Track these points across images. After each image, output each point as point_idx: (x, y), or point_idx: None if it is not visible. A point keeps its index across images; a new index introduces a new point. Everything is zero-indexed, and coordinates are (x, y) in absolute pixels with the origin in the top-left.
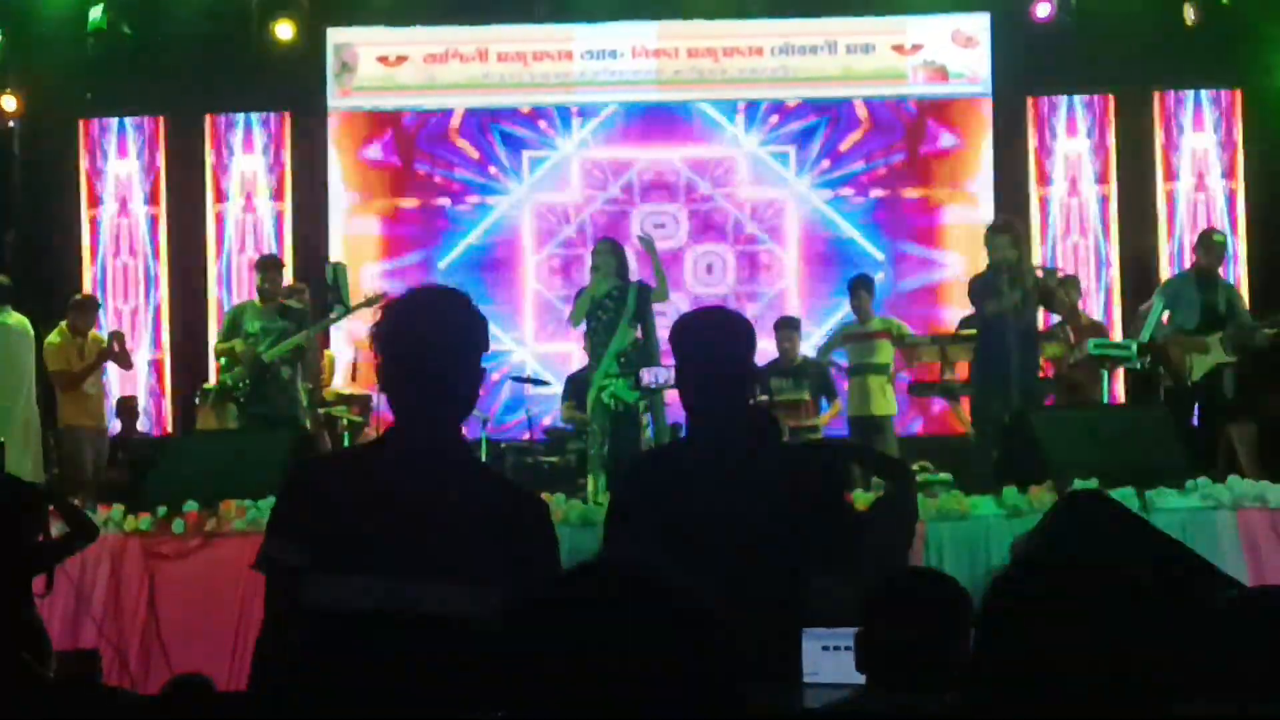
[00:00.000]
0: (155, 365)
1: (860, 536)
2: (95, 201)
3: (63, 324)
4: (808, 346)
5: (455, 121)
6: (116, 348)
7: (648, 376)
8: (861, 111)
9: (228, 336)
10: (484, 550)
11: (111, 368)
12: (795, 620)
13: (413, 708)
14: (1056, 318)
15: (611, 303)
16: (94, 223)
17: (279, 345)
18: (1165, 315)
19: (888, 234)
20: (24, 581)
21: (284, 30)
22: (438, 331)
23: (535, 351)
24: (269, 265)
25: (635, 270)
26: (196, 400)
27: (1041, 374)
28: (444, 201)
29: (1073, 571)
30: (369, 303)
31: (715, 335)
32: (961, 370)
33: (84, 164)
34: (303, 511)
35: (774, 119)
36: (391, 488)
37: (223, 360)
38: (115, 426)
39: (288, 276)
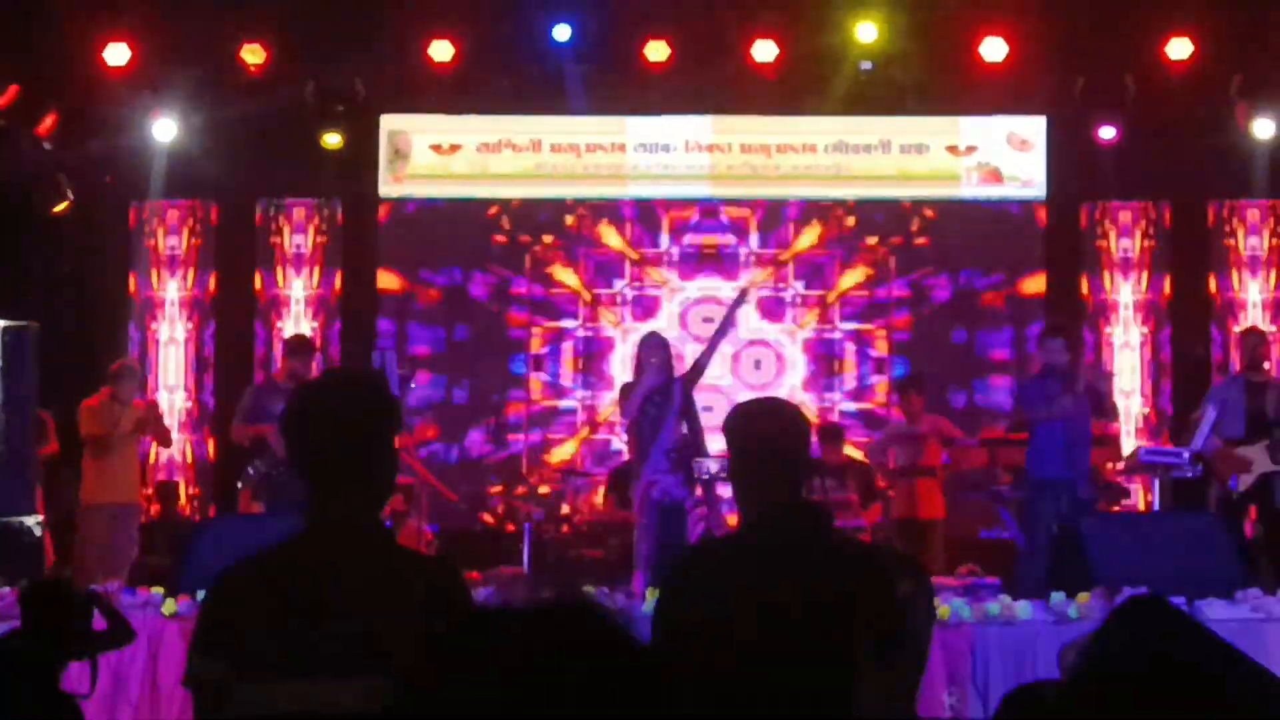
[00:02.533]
0: (200, 448)
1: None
2: (146, 285)
3: (103, 389)
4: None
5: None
6: (153, 417)
7: (699, 468)
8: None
9: (250, 419)
10: (403, 636)
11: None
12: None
13: None
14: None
15: (659, 397)
16: (145, 308)
17: None
18: (1215, 421)
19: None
20: (59, 670)
21: (338, 123)
22: (346, 416)
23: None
24: (304, 347)
25: (679, 366)
26: (239, 485)
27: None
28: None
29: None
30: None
31: (769, 426)
32: (1011, 475)
33: (135, 246)
34: (221, 624)
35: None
36: (307, 584)
37: (248, 445)
38: (154, 510)
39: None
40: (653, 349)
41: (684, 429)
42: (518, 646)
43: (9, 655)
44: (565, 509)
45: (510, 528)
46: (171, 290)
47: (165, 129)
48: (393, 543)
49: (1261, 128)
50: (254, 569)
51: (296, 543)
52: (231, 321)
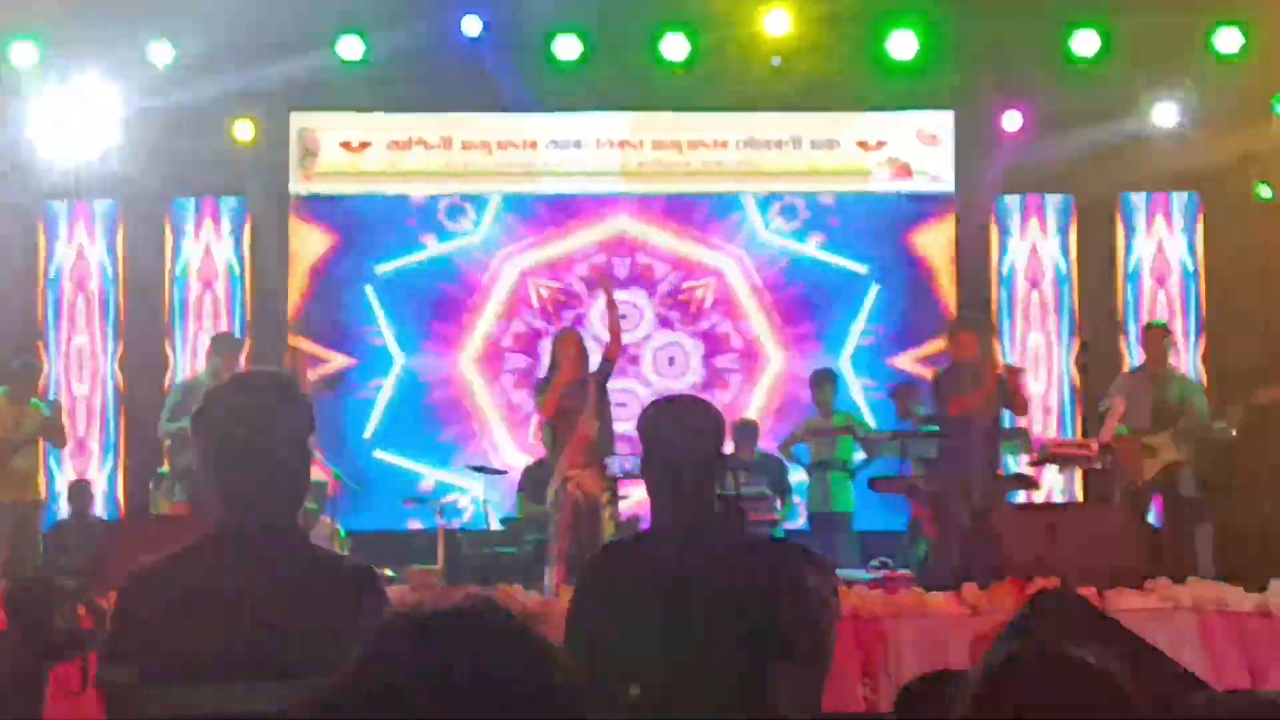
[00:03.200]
0: (112, 448)
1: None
2: (54, 283)
3: (1, 391)
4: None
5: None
6: (55, 422)
7: (613, 465)
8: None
9: (176, 416)
10: (315, 639)
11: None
12: (760, 712)
13: None
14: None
15: (574, 393)
16: (55, 304)
17: None
18: (1122, 412)
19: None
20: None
21: (243, 130)
22: (256, 418)
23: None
24: (229, 344)
25: (594, 360)
26: (151, 485)
27: (1001, 472)
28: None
29: (1050, 672)
30: (328, 385)
31: (683, 424)
32: (922, 467)
33: (43, 245)
34: (131, 630)
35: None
36: (219, 586)
37: (169, 442)
38: (64, 510)
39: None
40: (567, 344)
41: (596, 425)
42: (430, 651)
43: None
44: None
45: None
46: (81, 288)
47: (74, 126)
48: (306, 544)
49: (1162, 114)
50: (165, 572)
51: (208, 545)
52: (142, 319)
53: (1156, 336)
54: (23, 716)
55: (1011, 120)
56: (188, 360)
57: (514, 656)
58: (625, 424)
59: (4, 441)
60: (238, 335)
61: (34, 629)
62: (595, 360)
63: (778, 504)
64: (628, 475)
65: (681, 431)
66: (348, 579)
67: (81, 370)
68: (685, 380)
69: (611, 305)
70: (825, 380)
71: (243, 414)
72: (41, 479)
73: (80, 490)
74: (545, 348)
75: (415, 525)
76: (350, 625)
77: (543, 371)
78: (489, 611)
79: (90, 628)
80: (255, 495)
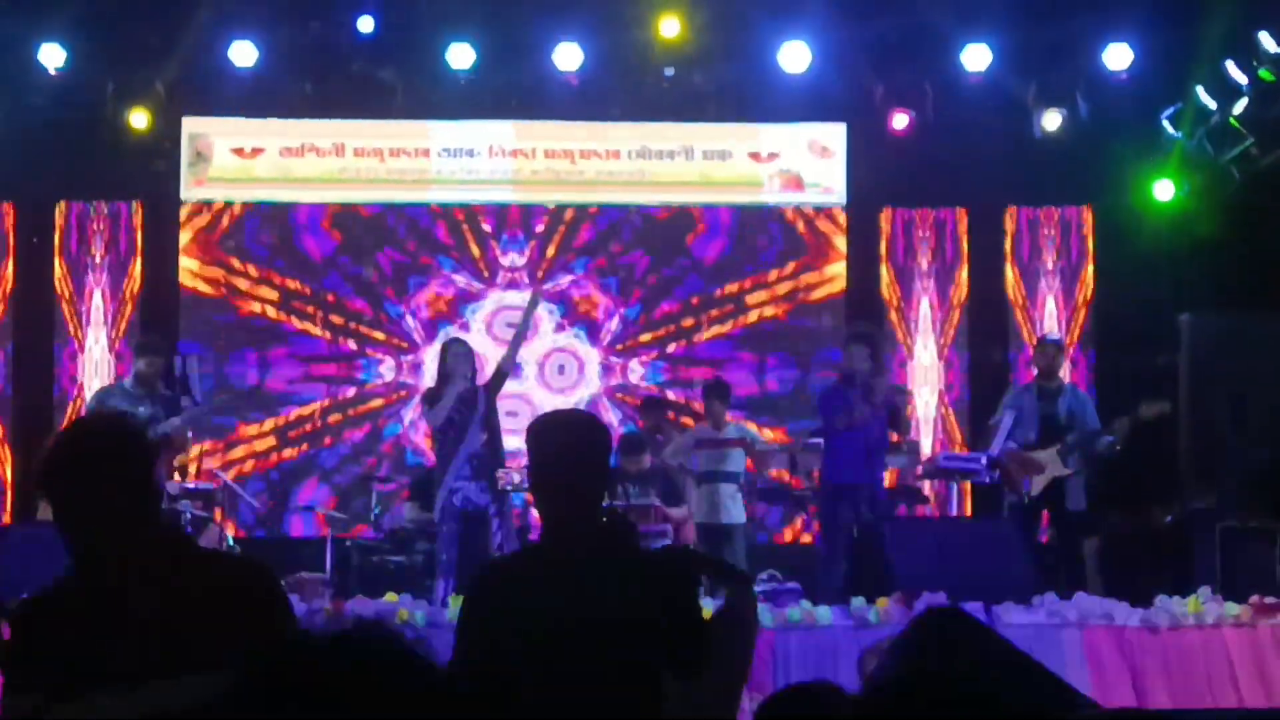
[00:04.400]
0: None
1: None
2: None
3: None
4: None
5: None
6: None
7: (502, 479)
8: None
9: None
10: (214, 636)
11: None
12: None
13: None
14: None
15: (463, 404)
16: None
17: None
18: (1010, 427)
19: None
20: None
21: (139, 119)
22: (113, 437)
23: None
24: (153, 348)
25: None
26: (37, 490)
27: (888, 485)
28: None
29: (933, 693)
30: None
31: (571, 438)
32: (810, 480)
33: None
34: (28, 656)
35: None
36: (111, 597)
37: None
38: None
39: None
40: (456, 355)
41: (485, 436)
42: (322, 673)
43: None
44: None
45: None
46: None
47: None
48: (196, 545)
49: (1057, 134)
50: (58, 592)
51: (92, 559)
52: (30, 323)
53: (1048, 351)
54: None
55: (899, 120)
56: (83, 364)
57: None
58: (515, 437)
59: None
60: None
61: None
62: (485, 371)
63: (667, 514)
64: (518, 489)
65: (568, 446)
66: (234, 572)
67: None
68: (576, 390)
69: (528, 322)
70: (717, 392)
71: (84, 468)
72: None
73: None
74: (432, 355)
75: (302, 532)
76: (243, 617)
77: (431, 380)
78: (380, 637)
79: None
80: (121, 506)
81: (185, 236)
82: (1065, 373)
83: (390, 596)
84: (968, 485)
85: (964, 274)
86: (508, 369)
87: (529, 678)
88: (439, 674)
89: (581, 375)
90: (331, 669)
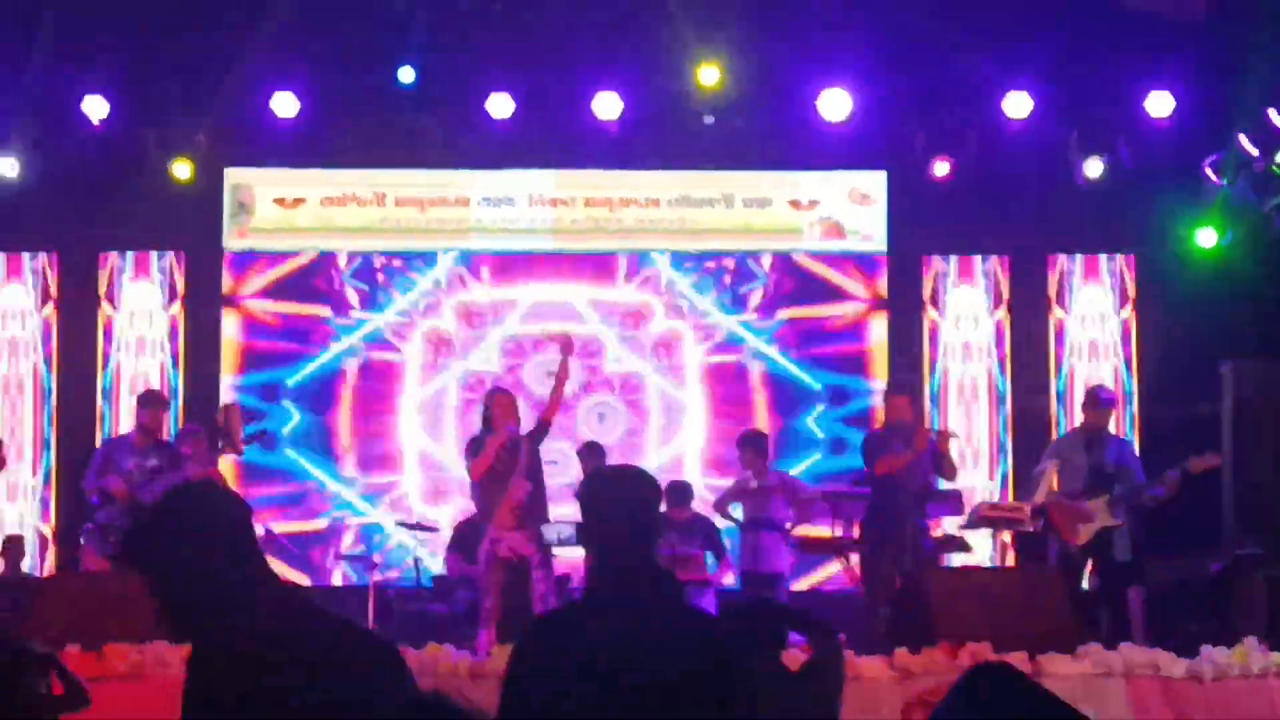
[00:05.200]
0: (41, 503)
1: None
2: None
3: None
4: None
5: (343, 262)
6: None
7: (549, 533)
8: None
9: (102, 473)
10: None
11: None
12: None
13: None
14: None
15: (507, 454)
16: None
17: (155, 483)
18: (1055, 477)
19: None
20: None
21: (182, 170)
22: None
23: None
24: (155, 401)
25: (527, 422)
26: (81, 540)
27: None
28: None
29: None
30: (256, 438)
31: (624, 494)
32: (853, 529)
33: None
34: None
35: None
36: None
37: (94, 499)
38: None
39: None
40: (499, 404)
41: (529, 486)
42: None
43: None
44: (410, 561)
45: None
46: (11, 339)
47: (7, 167)
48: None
49: (1100, 182)
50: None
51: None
52: (73, 371)
53: (1100, 402)
54: None
55: (940, 168)
56: (120, 412)
57: None
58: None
59: None
60: (166, 392)
61: (4, 692)
62: (528, 421)
63: (709, 564)
64: (564, 543)
65: (621, 502)
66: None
67: (12, 422)
68: (615, 435)
69: (564, 370)
70: (753, 442)
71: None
72: None
73: (14, 546)
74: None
75: (343, 580)
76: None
77: (476, 430)
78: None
79: (60, 694)
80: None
81: (229, 285)
82: (1115, 424)
83: (433, 647)
84: (1011, 534)
85: (1006, 320)
86: (550, 420)
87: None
88: None
89: (624, 424)
90: None
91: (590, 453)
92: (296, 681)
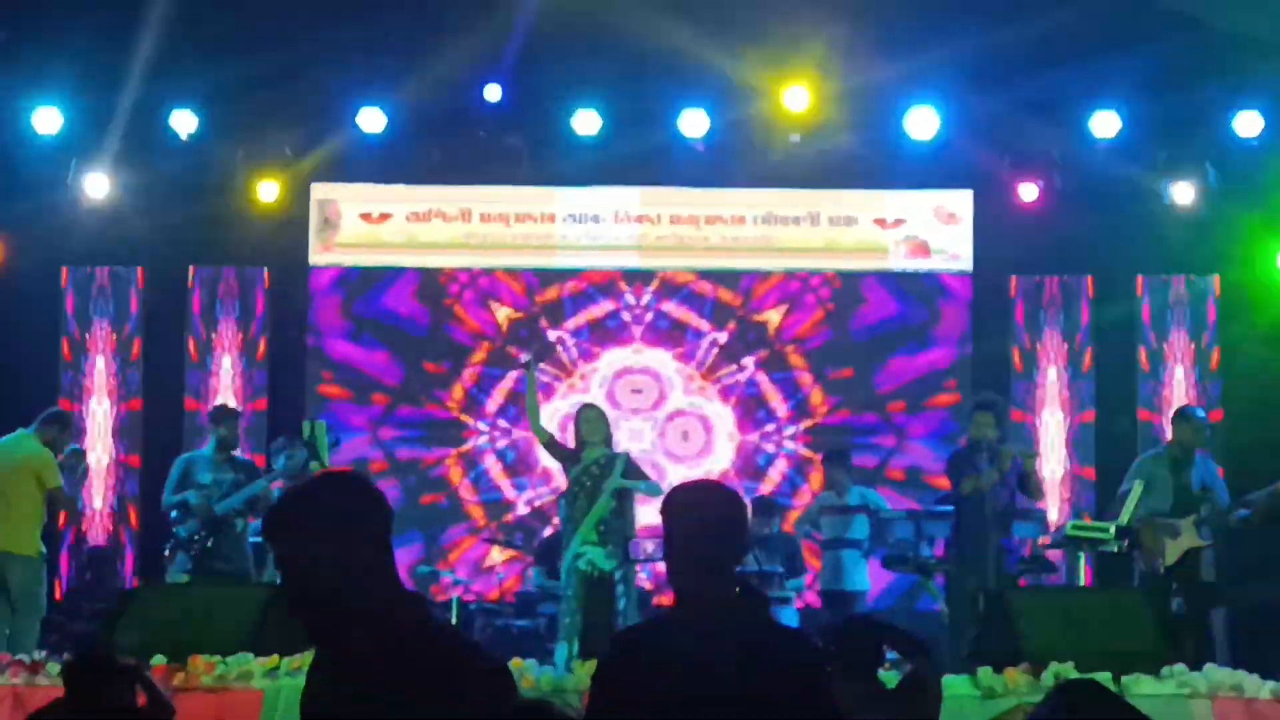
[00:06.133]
0: (127, 515)
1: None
2: (74, 350)
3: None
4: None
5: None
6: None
7: (635, 549)
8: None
9: (178, 488)
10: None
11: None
12: None
13: None
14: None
15: (598, 469)
16: (72, 371)
17: (231, 497)
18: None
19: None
20: None
21: (268, 191)
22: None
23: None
24: (229, 415)
25: (619, 440)
26: (166, 553)
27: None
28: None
29: None
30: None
31: (709, 511)
32: (936, 547)
33: (64, 311)
34: None
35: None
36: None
37: (174, 514)
38: (86, 578)
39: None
40: (590, 420)
41: (615, 504)
42: None
43: None
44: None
45: (438, 597)
46: (99, 354)
47: (96, 187)
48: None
49: (1187, 202)
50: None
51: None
52: (159, 387)
53: (1193, 424)
54: None
55: (1028, 191)
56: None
57: None
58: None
59: (58, 492)
60: (248, 406)
61: (90, 703)
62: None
63: (790, 582)
64: (649, 559)
65: (707, 519)
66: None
67: (99, 436)
68: (696, 453)
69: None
70: (837, 459)
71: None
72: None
73: (102, 558)
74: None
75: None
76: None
77: (570, 444)
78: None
79: (144, 706)
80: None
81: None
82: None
83: (515, 661)
84: (1097, 555)
85: (1092, 340)
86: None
87: None
88: None
89: (706, 442)
90: None
91: (761, 507)
92: (423, 691)
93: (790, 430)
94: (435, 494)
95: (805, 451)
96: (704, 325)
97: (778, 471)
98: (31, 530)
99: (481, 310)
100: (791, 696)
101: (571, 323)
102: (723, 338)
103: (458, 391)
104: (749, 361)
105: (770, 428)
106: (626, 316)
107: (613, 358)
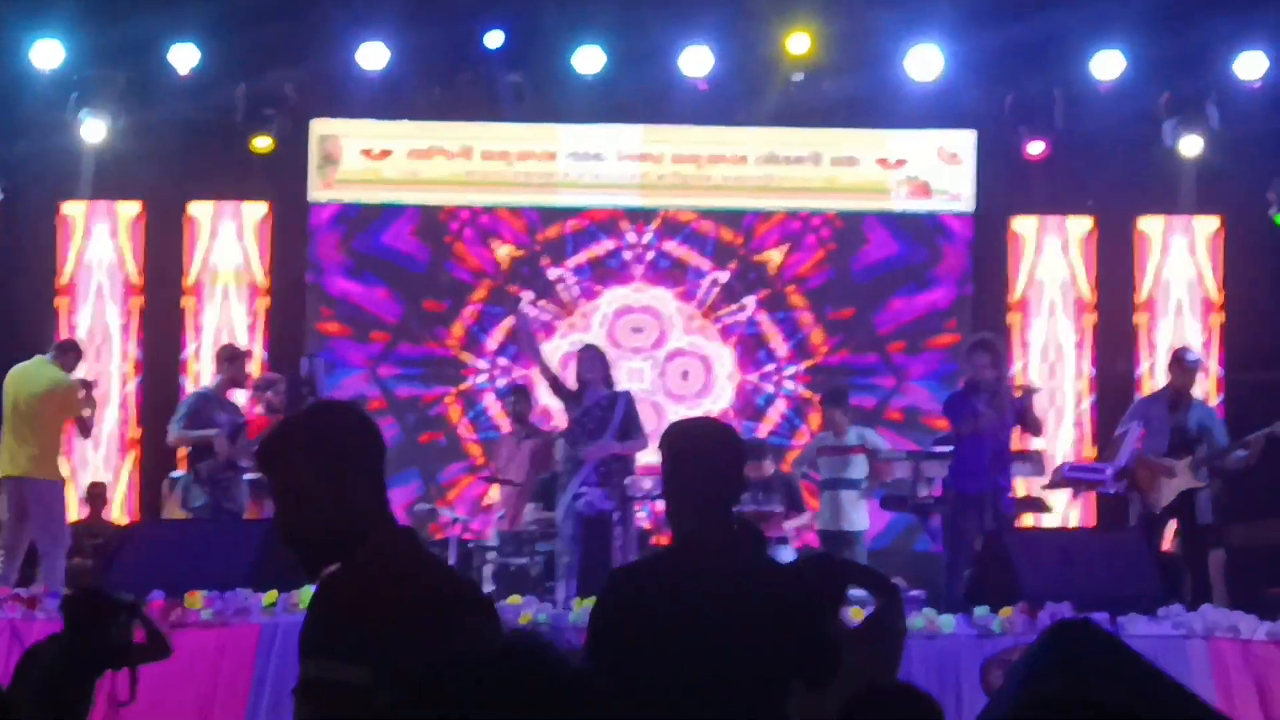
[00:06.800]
0: (124, 451)
1: (840, 653)
2: (71, 285)
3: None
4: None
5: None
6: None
7: (633, 487)
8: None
9: (190, 425)
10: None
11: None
12: None
13: None
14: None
15: (599, 411)
16: (69, 306)
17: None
18: (1139, 437)
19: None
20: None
21: (262, 142)
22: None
23: None
24: (239, 355)
25: (619, 379)
26: (164, 488)
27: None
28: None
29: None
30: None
31: (707, 447)
32: (935, 488)
33: (60, 246)
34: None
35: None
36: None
37: (185, 448)
38: (84, 512)
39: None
40: (590, 361)
41: (615, 445)
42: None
43: (47, 660)
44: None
45: (436, 535)
46: (98, 290)
47: (94, 129)
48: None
49: (1188, 145)
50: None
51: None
52: (158, 323)
53: (1187, 366)
54: (71, 718)
55: (1035, 147)
56: (203, 364)
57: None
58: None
59: (85, 421)
60: (246, 344)
61: (89, 638)
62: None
63: (788, 522)
64: (646, 496)
65: (704, 455)
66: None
67: (97, 371)
68: (695, 393)
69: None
70: (836, 399)
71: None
72: None
73: (97, 493)
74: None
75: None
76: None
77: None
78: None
79: (143, 641)
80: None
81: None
82: (1196, 386)
83: (514, 599)
84: (1093, 496)
85: (1092, 282)
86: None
87: (659, 683)
88: (598, 685)
89: (706, 382)
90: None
91: (755, 449)
92: (413, 618)
93: (790, 370)
94: (434, 432)
95: (804, 392)
96: (705, 264)
97: (777, 412)
98: (56, 456)
99: (482, 248)
100: (787, 631)
101: (572, 261)
102: (724, 277)
103: (458, 329)
104: (750, 301)
105: (770, 368)
106: (628, 255)
107: (613, 296)
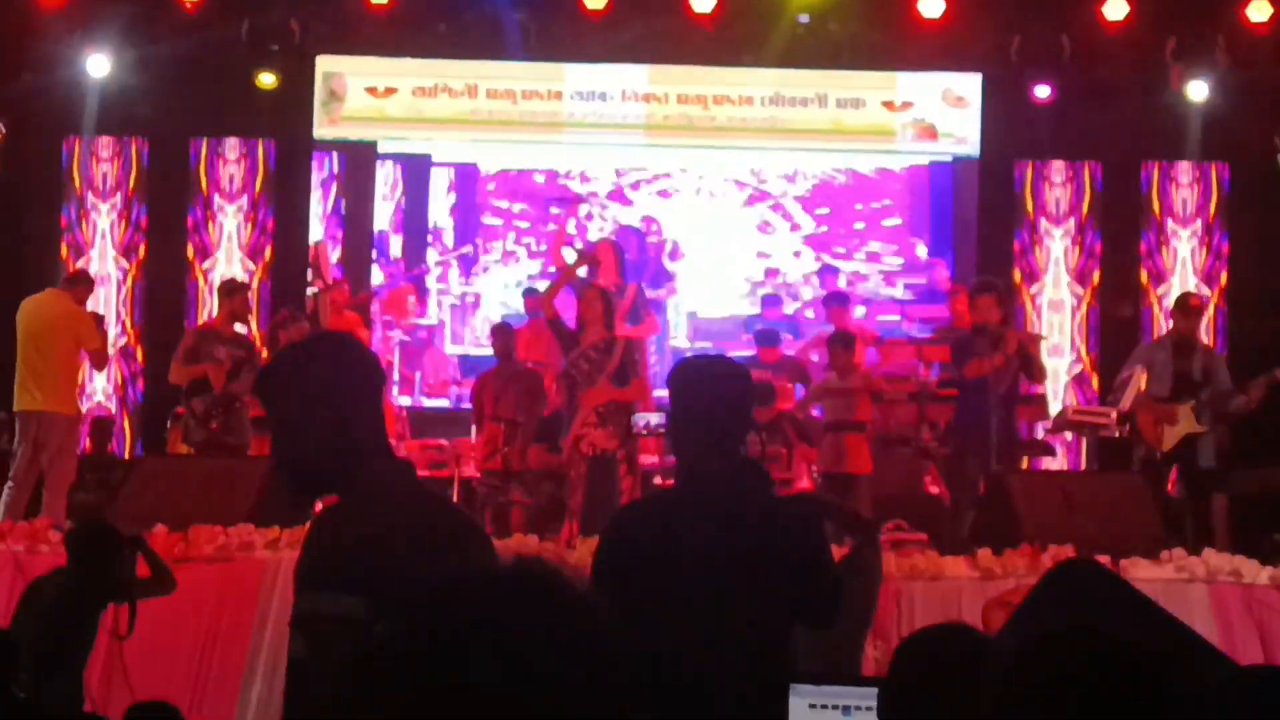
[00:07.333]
0: (128, 385)
1: (843, 590)
2: (75, 220)
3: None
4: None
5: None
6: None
7: (639, 423)
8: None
9: (190, 360)
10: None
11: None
12: (781, 673)
13: None
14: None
15: (596, 354)
16: (73, 241)
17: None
18: (1142, 382)
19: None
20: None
21: (267, 78)
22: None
23: None
24: (239, 289)
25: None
26: (169, 424)
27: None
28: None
29: (1076, 644)
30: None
31: (714, 385)
32: (938, 430)
33: (65, 181)
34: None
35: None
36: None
37: (189, 383)
38: (86, 446)
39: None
40: (589, 301)
41: (610, 389)
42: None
43: (51, 592)
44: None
45: (442, 473)
46: (103, 226)
47: (99, 65)
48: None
49: (1195, 90)
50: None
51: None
52: (162, 259)
53: (1190, 310)
54: (74, 651)
55: (1041, 92)
56: (207, 299)
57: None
58: None
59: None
60: (252, 279)
61: (93, 572)
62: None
63: (792, 463)
64: (651, 432)
65: (712, 393)
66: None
67: (101, 306)
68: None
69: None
70: (842, 341)
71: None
72: None
73: (103, 428)
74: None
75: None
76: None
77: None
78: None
79: (147, 577)
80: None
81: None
82: (1201, 331)
83: (518, 537)
84: (1097, 440)
85: (1097, 227)
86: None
87: (664, 620)
88: (605, 611)
89: None
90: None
91: (760, 391)
92: (411, 550)
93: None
94: None
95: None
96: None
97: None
98: (71, 389)
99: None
100: (791, 568)
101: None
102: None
103: None
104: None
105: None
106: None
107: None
